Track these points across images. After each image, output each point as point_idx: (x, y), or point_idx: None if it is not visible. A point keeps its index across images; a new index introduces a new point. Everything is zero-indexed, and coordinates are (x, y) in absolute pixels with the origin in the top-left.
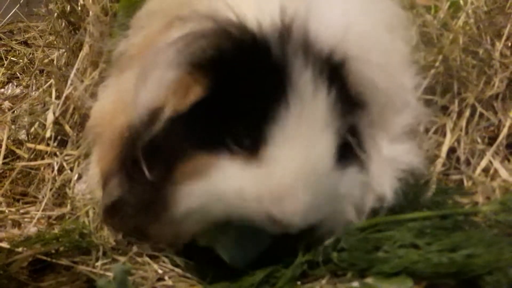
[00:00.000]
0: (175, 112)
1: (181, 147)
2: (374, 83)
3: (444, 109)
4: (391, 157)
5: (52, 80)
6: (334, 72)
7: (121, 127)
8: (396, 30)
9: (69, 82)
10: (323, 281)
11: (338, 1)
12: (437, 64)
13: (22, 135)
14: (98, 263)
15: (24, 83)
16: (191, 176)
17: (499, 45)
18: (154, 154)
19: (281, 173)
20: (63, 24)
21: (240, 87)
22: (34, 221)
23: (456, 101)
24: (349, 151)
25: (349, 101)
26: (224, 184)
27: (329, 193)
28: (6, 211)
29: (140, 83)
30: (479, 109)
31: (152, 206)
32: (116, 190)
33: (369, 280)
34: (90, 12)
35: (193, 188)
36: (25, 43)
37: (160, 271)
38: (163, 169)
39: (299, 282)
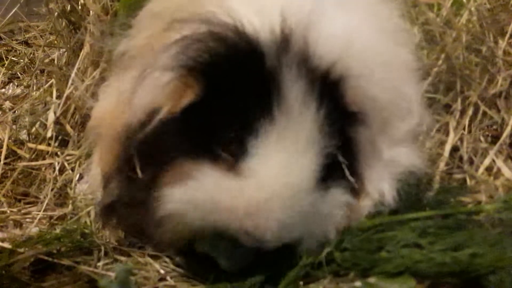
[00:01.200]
0: (169, 115)
1: (170, 151)
2: (376, 100)
3: (447, 108)
4: (391, 160)
5: (53, 80)
6: (330, 89)
7: (121, 128)
8: (399, 38)
9: (70, 81)
10: (326, 281)
11: (340, 11)
12: (439, 62)
13: (23, 135)
14: (100, 263)
15: (24, 83)
16: (174, 180)
17: (502, 43)
18: (147, 155)
19: (257, 187)
20: (64, 23)
21: (230, 94)
22: (36, 221)
23: (459, 100)
24: (338, 170)
25: (345, 118)
26: (201, 192)
27: (307, 212)
28: (8, 211)
29: (137, 84)
30: (482, 107)
31: (143, 207)
32: (115, 190)
33: (371, 280)
34: (91, 11)
35: (173, 193)
36: (26, 42)
37: (162, 271)
38: (154, 170)
39: (301, 283)
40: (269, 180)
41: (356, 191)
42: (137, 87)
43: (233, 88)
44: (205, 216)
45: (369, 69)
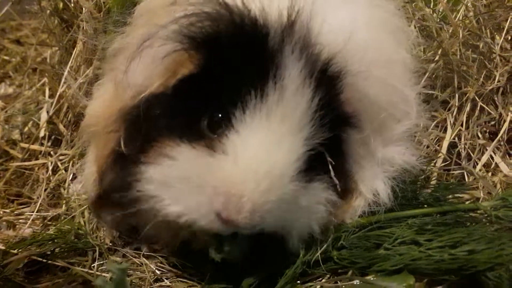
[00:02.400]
0: (163, 88)
1: (156, 127)
2: (374, 100)
3: (444, 104)
4: (385, 160)
5: (45, 79)
6: (327, 81)
7: (116, 111)
8: (399, 36)
9: (62, 80)
10: (323, 280)
11: (344, 5)
12: (436, 58)
13: (16, 135)
14: (95, 264)
15: (16, 82)
16: (153, 158)
17: (499, 39)
18: (135, 130)
19: (232, 164)
20: (56, 21)
21: (226, 70)
22: (29, 222)
23: (457, 96)
24: (323, 166)
25: (339, 117)
26: (174, 170)
27: (284, 200)
28: (1, 212)
29: (134, 56)
30: (480, 103)
31: (129, 188)
32: (108, 177)
33: (370, 278)
34: (84, 9)
35: (148, 171)
36: (18, 41)
37: (157, 272)
38: (138, 146)
39: (299, 282)
40: (247, 157)
41: (343, 191)
42: (134, 60)
43: (231, 64)
44: (177, 197)
45: (369, 67)
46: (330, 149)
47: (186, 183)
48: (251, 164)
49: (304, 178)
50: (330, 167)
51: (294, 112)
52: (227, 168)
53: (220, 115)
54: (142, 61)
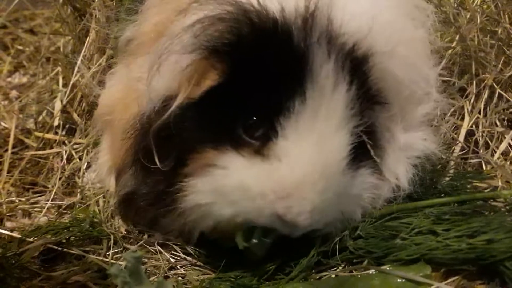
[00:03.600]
0: (188, 99)
1: (191, 138)
2: (398, 78)
3: (462, 91)
4: (407, 145)
5: (59, 68)
6: (356, 67)
7: (134, 116)
8: (418, 17)
9: (76, 69)
10: (339, 270)
11: None
12: (454, 44)
13: (30, 124)
14: (110, 252)
15: (31, 72)
16: (199, 170)
17: None
18: (166, 144)
19: (290, 169)
20: (69, 10)
21: (257, 75)
22: (44, 210)
23: (474, 83)
24: (363, 151)
25: (370, 98)
26: (228, 180)
27: (340, 194)
28: (16, 201)
29: (154, 69)
30: (498, 90)
31: (163, 198)
32: (130, 181)
33: (386, 267)
34: None
35: (199, 183)
36: (31, 31)
37: (172, 260)
38: (174, 160)
39: (314, 271)
40: (301, 161)
41: (380, 172)
42: (153, 72)
43: (260, 68)
44: (235, 205)
45: (393, 47)
46: (365, 133)
47: (243, 190)
48: (305, 167)
49: (353, 167)
50: (370, 148)
51: (336, 108)
52: (284, 173)
53: (254, 119)
54: (161, 72)
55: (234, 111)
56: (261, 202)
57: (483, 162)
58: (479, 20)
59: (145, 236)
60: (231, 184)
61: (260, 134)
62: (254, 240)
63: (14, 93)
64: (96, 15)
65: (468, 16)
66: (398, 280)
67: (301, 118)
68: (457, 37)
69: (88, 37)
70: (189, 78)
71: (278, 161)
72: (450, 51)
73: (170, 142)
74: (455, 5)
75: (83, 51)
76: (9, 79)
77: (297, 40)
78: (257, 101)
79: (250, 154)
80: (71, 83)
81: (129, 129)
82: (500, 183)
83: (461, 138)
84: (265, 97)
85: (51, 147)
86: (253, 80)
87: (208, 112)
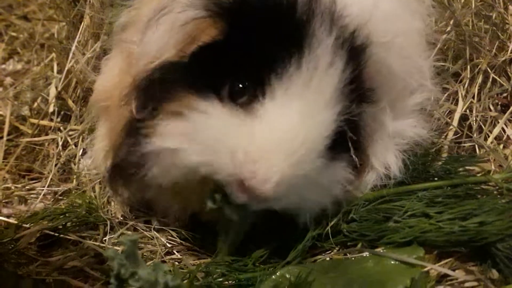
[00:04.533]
0: (181, 54)
1: (173, 87)
2: (393, 70)
3: (456, 76)
4: (396, 133)
5: (53, 54)
6: (354, 53)
7: (128, 85)
8: (416, 8)
9: (70, 55)
10: (333, 253)
11: None
12: (448, 29)
13: (25, 111)
14: (106, 238)
15: (25, 59)
16: (172, 114)
17: None
18: (148, 94)
19: (268, 131)
20: None
21: (256, 38)
22: (40, 197)
23: (468, 67)
24: (342, 144)
25: (362, 88)
26: (203, 124)
27: (309, 178)
28: (12, 187)
29: (151, 25)
30: (492, 75)
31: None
32: (123, 153)
33: (379, 250)
34: None
35: (170, 125)
36: (25, 17)
37: (168, 245)
38: (151, 110)
39: (308, 254)
40: (283, 125)
41: (358, 167)
42: (151, 28)
43: (260, 32)
44: (202, 154)
45: (391, 37)
46: (350, 124)
47: (214, 140)
48: (286, 132)
49: (328, 156)
50: (350, 144)
51: (329, 84)
52: (262, 135)
53: (240, 85)
54: (157, 30)
55: (223, 73)
56: (229, 159)
57: (476, 146)
58: (473, 5)
59: (142, 222)
60: (205, 130)
61: (244, 101)
62: (218, 196)
63: (8, 80)
64: (90, 1)
65: (463, 1)
66: (392, 262)
67: (293, 83)
68: (451, 22)
69: (82, 23)
70: (186, 33)
71: (259, 120)
72: (444, 36)
73: (151, 94)
74: None
75: (77, 37)
76: (3, 66)
77: (301, 11)
78: (251, 63)
79: (231, 111)
80: (66, 69)
81: (124, 97)
82: (493, 167)
83: (455, 122)
84: (260, 59)
85: (47, 134)
86: (251, 43)
87: (196, 71)
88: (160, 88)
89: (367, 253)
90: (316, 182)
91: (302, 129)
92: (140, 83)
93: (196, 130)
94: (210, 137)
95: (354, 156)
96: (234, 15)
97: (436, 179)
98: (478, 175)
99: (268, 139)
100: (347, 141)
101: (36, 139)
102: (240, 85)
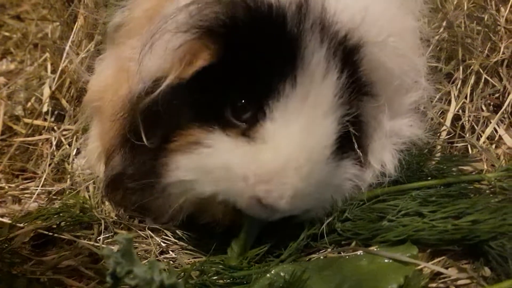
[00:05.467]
0: (179, 79)
1: (179, 117)
2: (389, 69)
3: (449, 77)
4: (393, 132)
5: (47, 54)
6: (348, 56)
7: (124, 97)
8: (409, 7)
9: (64, 55)
10: (327, 251)
11: None
12: (441, 30)
13: (19, 111)
14: (100, 237)
15: (18, 58)
16: (183, 147)
17: (504, 11)
18: (154, 122)
19: (274, 152)
20: None
21: (249, 57)
22: (34, 196)
23: (461, 68)
24: (347, 141)
25: (359, 88)
26: (212, 158)
27: (321, 183)
28: (6, 187)
29: (146, 47)
30: (484, 76)
31: (149, 176)
32: (118, 163)
33: (373, 248)
34: None
35: (183, 159)
36: (18, 17)
37: (163, 244)
38: (161, 137)
39: (303, 253)
40: (287, 145)
41: (362, 163)
42: (145, 51)
43: (252, 51)
44: (216, 184)
45: (384, 37)
46: (351, 121)
47: (226, 170)
48: (291, 151)
49: (336, 157)
50: (355, 141)
51: (326, 95)
52: (268, 156)
53: (243, 101)
54: (153, 53)
55: (223, 93)
56: (242, 184)
57: (469, 146)
58: (466, 7)
59: (136, 221)
60: (214, 163)
61: (248, 117)
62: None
63: (2, 79)
64: (84, 1)
65: (455, 3)
66: (385, 260)
67: (290, 102)
68: (444, 23)
69: (76, 23)
70: (182, 57)
71: (263, 143)
72: (437, 37)
73: (158, 120)
74: None
75: (71, 37)
76: None
77: (291, 25)
78: (247, 83)
79: (236, 135)
80: (60, 69)
81: (118, 110)
82: (485, 167)
83: (448, 122)
84: (255, 80)
85: (40, 134)
86: (245, 63)
87: (197, 92)
88: (166, 116)
89: (361, 251)
90: (329, 184)
91: (306, 143)
92: (143, 109)
93: (206, 163)
94: (220, 168)
95: (358, 151)
96: (225, 37)
97: (429, 178)
98: (471, 174)
99: (274, 160)
100: (352, 138)
101: (30, 138)
102: (242, 102)
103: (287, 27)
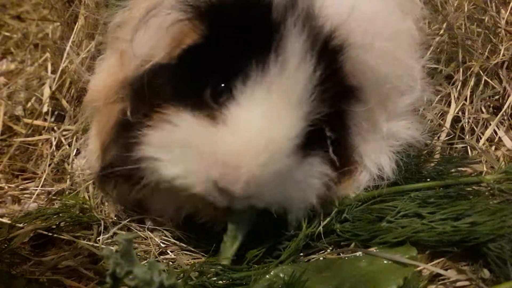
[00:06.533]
0: (169, 58)
1: (160, 95)
2: (377, 72)
3: (449, 78)
4: (390, 134)
5: (47, 54)
6: (330, 54)
7: (120, 81)
8: (406, 7)
9: (64, 55)
10: (326, 252)
11: None
12: (441, 32)
13: (19, 111)
14: (100, 238)
15: (18, 58)
16: (157, 124)
17: (504, 13)
18: (140, 99)
19: (233, 134)
20: None
21: (232, 41)
22: (34, 196)
23: (461, 70)
24: (319, 140)
25: (341, 89)
26: (173, 135)
27: (280, 174)
28: (6, 187)
29: (139, 27)
30: (484, 78)
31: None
32: (110, 154)
33: (372, 249)
34: None
35: (152, 136)
36: (18, 17)
37: (162, 245)
38: (143, 114)
39: (302, 254)
40: (246, 130)
41: (347, 164)
42: (139, 31)
43: (235, 34)
44: (175, 164)
45: (373, 39)
46: (332, 123)
47: (186, 149)
48: (250, 136)
49: (301, 153)
50: (329, 142)
51: (295, 86)
52: (227, 139)
53: (223, 85)
54: (147, 31)
55: (206, 75)
56: (199, 164)
57: (468, 148)
58: (466, 8)
59: (135, 222)
60: (174, 140)
61: (223, 100)
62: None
63: (2, 79)
64: (85, 1)
65: (455, 4)
66: (385, 262)
67: (258, 88)
68: (444, 25)
69: (77, 23)
70: (172, 36)
71: (225, 126)
72: (437, 38)
73: (142, 97)
74: None
75: (72, 37)
76: None
77: (275, 13)
78: (227, 67)
79: (203, 116)
80: (60, 69)
81: (114, 93)
82: (484, 168)
83: (448, 124)
84: (234, 64)
85: (40, 134)
86: (227, 46)
87: (182, 73)
88: (150, 92)
89: (360, 253)
90: (292, 178)
91: (266, 131)
92: (133, 85)
93: (167, 140)
94: (178, 146)
95: (331, 154)
96: (212, 18)
97: (428, 180)
98: (470, 176)
99: (232, 143)
100: (323, 136)
101: (29, 139)
102: (222, 86)
103: (272, 14)
